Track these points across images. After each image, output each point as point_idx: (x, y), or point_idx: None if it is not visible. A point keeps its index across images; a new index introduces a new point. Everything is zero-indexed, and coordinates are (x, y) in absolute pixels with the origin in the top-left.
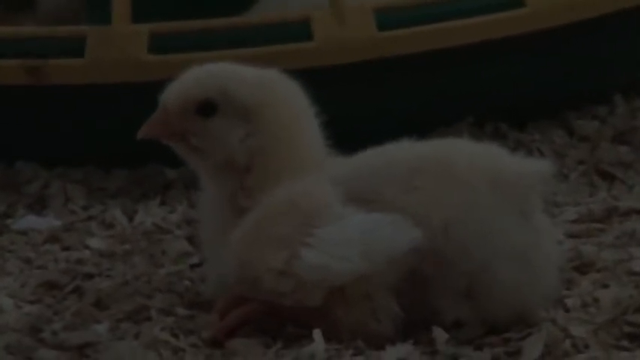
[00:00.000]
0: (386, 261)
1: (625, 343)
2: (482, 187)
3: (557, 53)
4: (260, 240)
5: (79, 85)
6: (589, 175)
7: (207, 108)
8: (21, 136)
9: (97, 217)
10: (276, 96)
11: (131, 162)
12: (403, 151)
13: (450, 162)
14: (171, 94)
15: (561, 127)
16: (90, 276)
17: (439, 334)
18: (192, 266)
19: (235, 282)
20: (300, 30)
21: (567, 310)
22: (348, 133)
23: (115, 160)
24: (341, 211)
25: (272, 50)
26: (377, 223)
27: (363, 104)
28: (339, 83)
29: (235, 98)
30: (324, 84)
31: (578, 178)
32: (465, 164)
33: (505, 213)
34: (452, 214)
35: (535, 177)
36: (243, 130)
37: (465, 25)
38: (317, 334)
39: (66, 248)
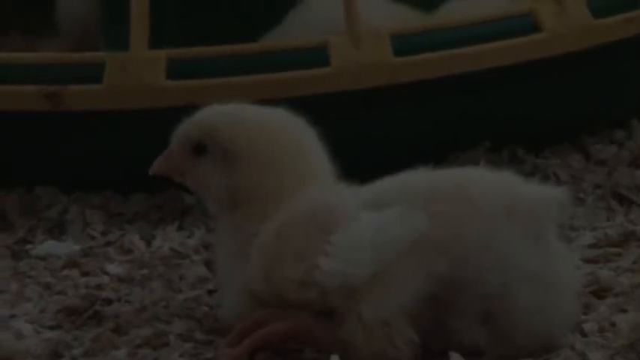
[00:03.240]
0: (396, 255)
1: None
2: (499, 214)
3: (574, 78)
4: (282, 253)
5: (98, 110)
6: (606, 199)
7: (199, 149)
8: (40, 161)
9: (115, 242)
10: (270, 137)
11: (149, 187)
12: (419, 179)
13: (466, 190)
14: (176, 133)
15: (578, 152)
16: (109, 301)
17: None
18: (211, 292)
19: (264, 296)
20: (317, 55)
21: (585, 335)
22: (363, 158)
23: (133, 186)
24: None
25: (289, 76)
26: (386, 219)
27: (379, 130)
28: (355, 108)
29: (220, 140)
30: (340, 109)
31: (595, 203)
32: (480, 192)
33: (521, 240)
34: (469, 241)
35: (550, 204)
36: (225, 172)
37: (481, 51)
38: (335, 359)
39: (85, 273)
